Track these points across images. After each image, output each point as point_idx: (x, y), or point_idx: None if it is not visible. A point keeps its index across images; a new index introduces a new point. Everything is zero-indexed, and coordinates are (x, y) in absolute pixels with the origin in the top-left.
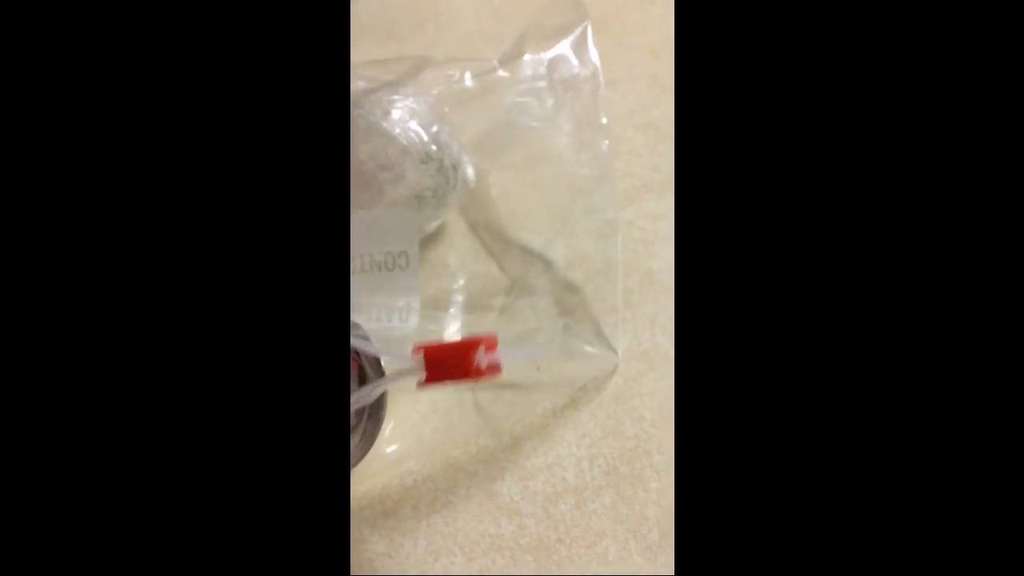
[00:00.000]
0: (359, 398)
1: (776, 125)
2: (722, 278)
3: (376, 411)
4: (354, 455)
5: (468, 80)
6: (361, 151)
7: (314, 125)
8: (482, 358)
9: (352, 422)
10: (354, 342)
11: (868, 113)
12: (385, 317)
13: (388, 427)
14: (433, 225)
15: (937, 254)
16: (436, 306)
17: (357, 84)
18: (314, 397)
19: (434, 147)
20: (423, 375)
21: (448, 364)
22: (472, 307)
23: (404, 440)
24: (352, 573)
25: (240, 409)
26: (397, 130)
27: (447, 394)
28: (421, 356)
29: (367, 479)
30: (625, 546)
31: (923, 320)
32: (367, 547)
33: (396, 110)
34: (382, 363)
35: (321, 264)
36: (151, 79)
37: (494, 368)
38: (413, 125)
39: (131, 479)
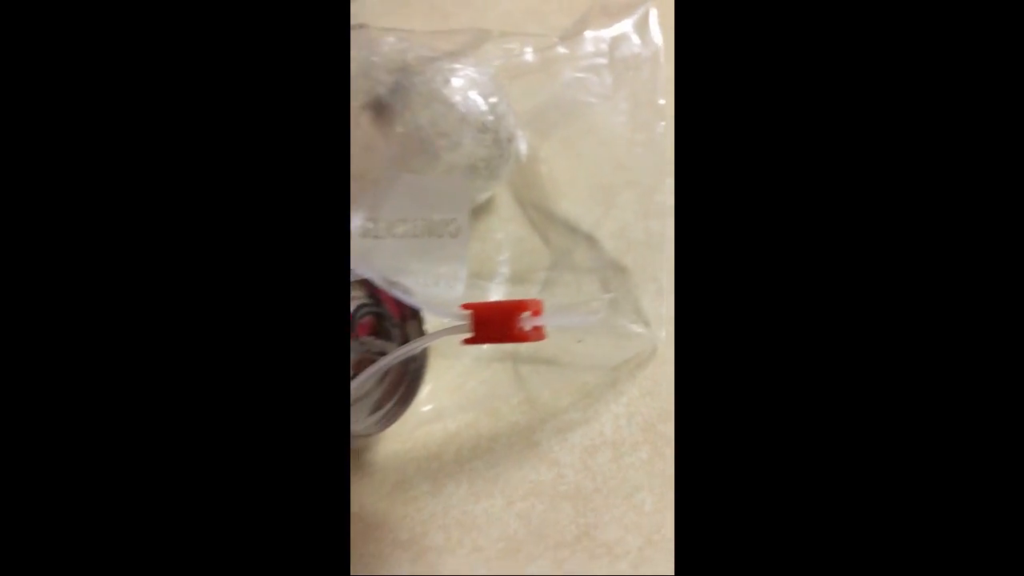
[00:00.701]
0: (404, 353)
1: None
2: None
3: (418, 368)
4: (393, 412)
5: (528, 54)
6: (420, 116)
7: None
8: (527, 321)
9: (394, 378)
10: (401, 297)
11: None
12: (431, 283)
13: (426, 389)
14: (483, 196)
15: (930, 226)
16: (480, 276)
17: (420, 52)
18: (314, 369)
19: (491, 117)
20: (470, 333)
21: (494, 324)
22: (516, 279)
23: (448, 398)
24: (398, 512)
25: (236, 382)
26: (457, 98)
27: (489, 357)
28: (469, 314)
29: (408, 431)
30: (661, 499)
31: (914, 295)
32: (412, 486)
33: (457, 79)
34: (424, 324)
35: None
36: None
37: (538, 332)
38: (473, 95)
39: (130, 457)
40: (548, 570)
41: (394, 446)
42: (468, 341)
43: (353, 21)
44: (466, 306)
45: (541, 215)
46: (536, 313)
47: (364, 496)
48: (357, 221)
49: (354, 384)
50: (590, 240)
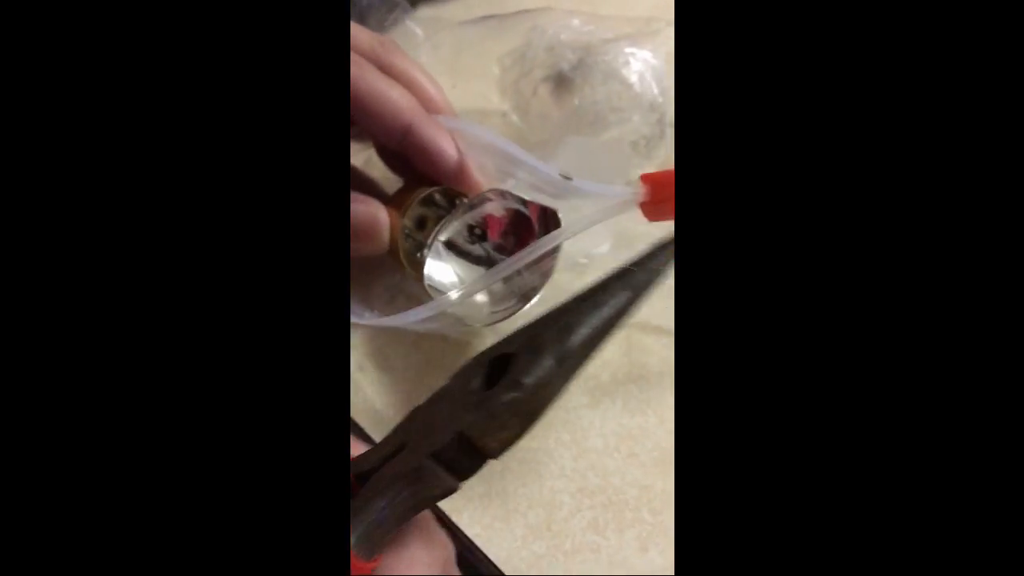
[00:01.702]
0: (547, 241)
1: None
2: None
3: (545, 270)
4: (513, 307)
5: None
6: (598, 91)
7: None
8: None
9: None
10: (579, 184)
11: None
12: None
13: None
14: (635, 173)
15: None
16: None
17: (602, 34)
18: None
19: (661, 100)
20: (646, 199)
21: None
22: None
23: None
24: (560, 417)
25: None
26: (634, 78)
27: None
28: (642, 184)
29: None
30: None
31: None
32: (571, 399)
33: (636, 61)
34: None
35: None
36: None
37: None
38: (648, 77)
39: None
40: None
41: None
42: (649, 216)
43: (537, 5)
44: (644, 177)
45: None
46: None
47: None
48: (521, 174)
49: (493, 271)
50: None
